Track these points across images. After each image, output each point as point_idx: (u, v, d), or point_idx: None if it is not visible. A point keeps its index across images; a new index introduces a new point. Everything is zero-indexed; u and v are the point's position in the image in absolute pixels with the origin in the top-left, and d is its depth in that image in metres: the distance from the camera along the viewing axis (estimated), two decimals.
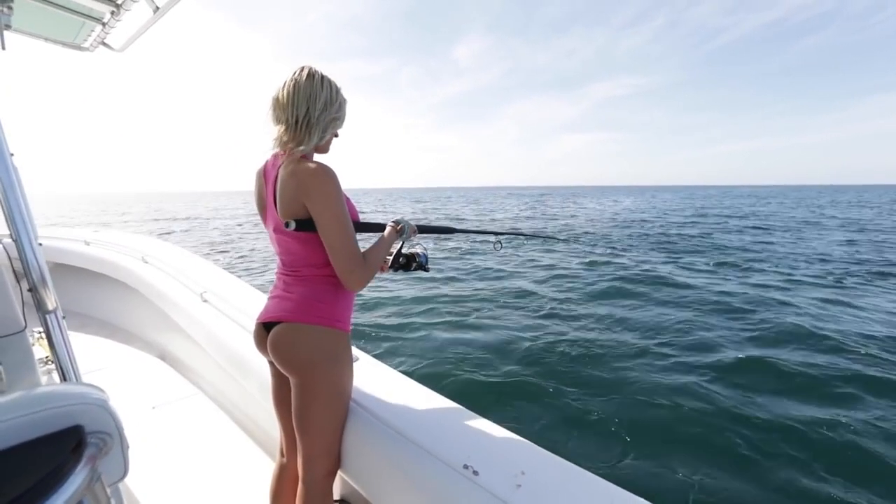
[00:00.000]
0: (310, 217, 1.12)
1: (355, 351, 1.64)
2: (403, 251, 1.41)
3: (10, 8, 1.29)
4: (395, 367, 1.57)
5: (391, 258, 1.40)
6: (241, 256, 11.68)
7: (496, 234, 1.80)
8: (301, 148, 1.13)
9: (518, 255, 10.20)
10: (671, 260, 9.91)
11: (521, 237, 2.25)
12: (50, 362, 1.14)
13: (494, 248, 1.81)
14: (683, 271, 8.51)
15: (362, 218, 1.29)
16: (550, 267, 8.57)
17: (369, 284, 1.20)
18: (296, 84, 1.12)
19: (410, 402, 1.31)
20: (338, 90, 1.18)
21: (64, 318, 1.17)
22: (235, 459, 1.93)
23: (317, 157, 1.22)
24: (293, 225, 1.13)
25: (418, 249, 1.43)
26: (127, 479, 1.76)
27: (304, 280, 1.19)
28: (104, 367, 2.77)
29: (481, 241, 11.72)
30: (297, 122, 1.12)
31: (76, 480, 0.46)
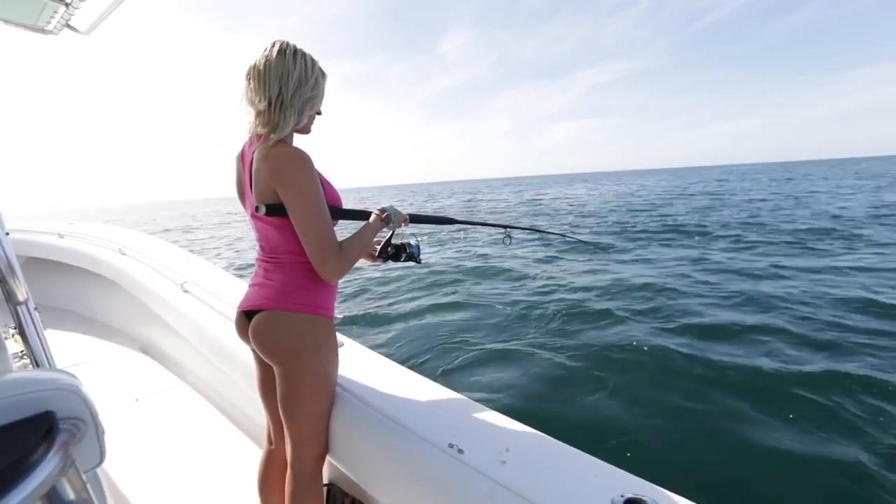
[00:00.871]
0: (280, 204, 1.09)
1: (340, 337, 1.64)
2: (393, 241, 1.36)
3: None
4: (380, 351, 1.58)
5: (379, 247, 1.36)
6: None
7: (505, 227, 1.61)
8: (275, 133, 1.07)
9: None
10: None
11: (534, 232, 2.13)
12: (25, 356, 1.11)
13: (504, 242, 1.61)
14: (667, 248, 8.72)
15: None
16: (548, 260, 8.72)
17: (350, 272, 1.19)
18: (266, 62, 1.05)
19: (396, 386, 1.32)
20: (313, 64, 1.10)
21: (37, 310, 1.14)
22: (222, 448, 1.93)
23: (298, 139, 1.18)
24: (263, 209, 1.10)
25: (410, 240, 1.37)
26: (113, 471, 1.76)
27: (283, 267, 1.17)
28: (84, 362, 2.72)
29: (484, 234, 11.49)
30: (269, 103, 1.06)
31: (47, 467, 0.46)
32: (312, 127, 1.20)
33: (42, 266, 3.68)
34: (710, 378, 3.44)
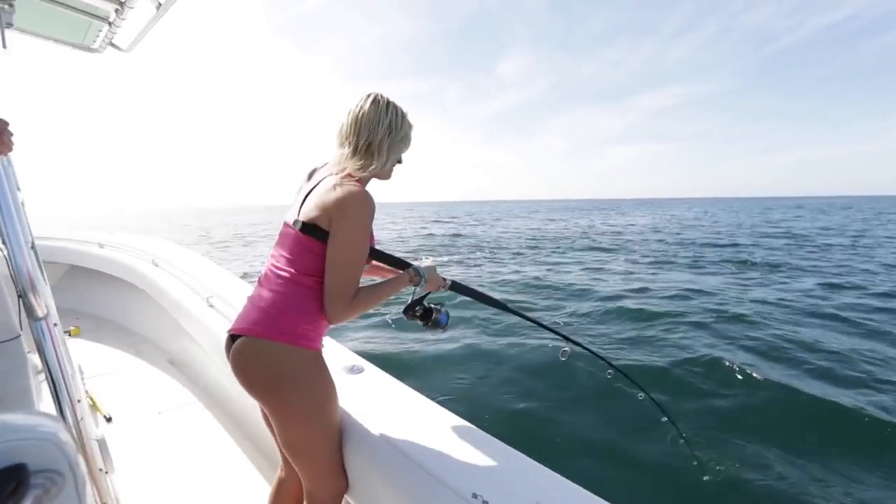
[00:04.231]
0: (326, 230, 1.06)
1: (360, 361, 1.57)
2: (424, 302, 1.27)
3: (10, 6, 1.26)
4: (404, 379, 1.49)
5: (409, 302, 1.28)
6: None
7: (567, 338, 1.40)
8: (356, 172, 1.12)
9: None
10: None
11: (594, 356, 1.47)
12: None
13: (561, 355, 1.43)
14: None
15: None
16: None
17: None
18: (360, 110, 1.11)
19: (418, 421, 1.22)
20: (403, 116, 1.15)
21: (56, 325, 1.12)
22: (238, 469, 1.88)
23: (374, 182, 1.21)
24: (299, 225, 1.10)
25: (439, 306, 1.28)
26: (127, 484, 1.73)
27: (284, 282, 1.11)
28: (114, 371, 2.76)
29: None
30: (355, 148, 1.12)
31: None
32: (392, 175, 1.23)
33: (83, 275, 3.82)
34: None
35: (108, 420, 2.20)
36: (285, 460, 1.29)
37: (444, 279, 1.28)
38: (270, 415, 1.11)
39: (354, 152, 1.12)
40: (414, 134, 1.21)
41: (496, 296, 1.41)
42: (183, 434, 2.13)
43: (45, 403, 1.04)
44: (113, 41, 1.79)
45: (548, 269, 10.32)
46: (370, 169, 1.12)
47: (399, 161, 1.21)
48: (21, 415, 0.48)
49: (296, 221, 1.11)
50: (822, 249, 14.06)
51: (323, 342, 1.16)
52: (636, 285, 8.18)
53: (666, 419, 2.74)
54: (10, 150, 1.00)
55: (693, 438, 3.03)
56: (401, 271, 1.26)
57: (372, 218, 1.09)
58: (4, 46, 1.31)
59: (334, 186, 1.08)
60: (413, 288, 1.26)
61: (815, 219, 32.85)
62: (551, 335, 1.44)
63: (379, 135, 1.11)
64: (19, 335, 1.29)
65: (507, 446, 1.12)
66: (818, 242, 16.17)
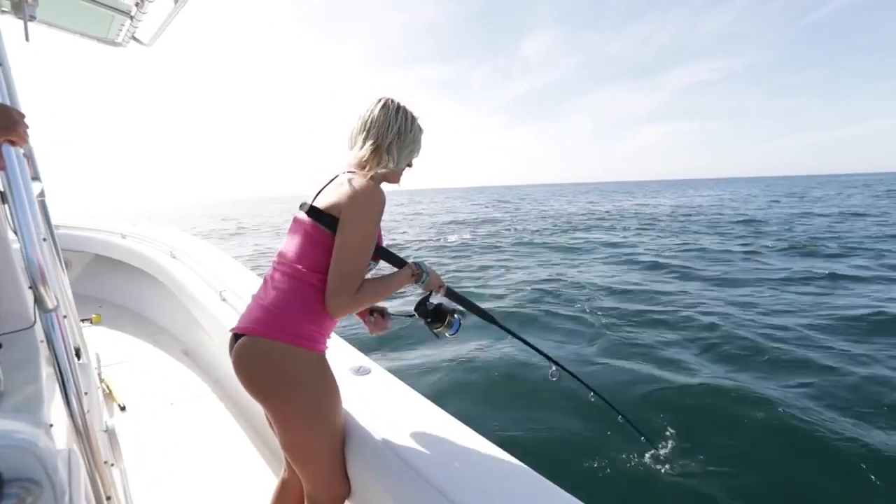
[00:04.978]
0: (335, 217, 1.05)
1: (367, 362, 1.55)
2: (434, 300, 1.24)
3: None
4: (409, 380, 1.45)
5: (419, 303, 1.25)
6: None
7: (554, 361, 1.39)
8: (366, 171, 1.12)
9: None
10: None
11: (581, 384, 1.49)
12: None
13: (550, 376, 1.38)
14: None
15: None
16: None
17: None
18: (370, 115, 1.13)
19: (425, 429, 1.18)
20: (413, 120, 1.17)
21: (66, 317, 1.12)
22: (245, 463, 1.88)
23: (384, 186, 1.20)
24: (306, 207, 1.10)
25: (457, 313, 1.24)
26: (136, 475, 1.75)
27: (289, 279, 1.10)
28: (130, 360, 2.81)
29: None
30: (366, 151, 1.13)
31: None
32: (401, 179, 1.23)
33: (107, 264, 3.92)
34: None
35: (123, 409, 2.24)
36: (288, 461, 1.28)
37: (442, 283, 1.24)
38: (270, 416, 1.10)
39: (364, 155, 1.12)
40: (424, 139, 1.21)
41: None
42: (193, 426, 2.15)
43: (58, 394, 1.05)
44: (135, 35, 1.81)
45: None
46: (380, 171, 1.12)
47: (409, 165, 1.22)
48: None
49: (303, 204, 1.13)
50: None
51: (328, 343, 1.14)
52: None
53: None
54: (26, 142, 1.00)
55: None
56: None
57: (381, 212, 1.08)
58: (27, 39, 1.33)
59: (346, 181, 1.08)
60: (427, 291, 1.23)
61: None
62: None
63: (388, 138, 1.12)
64: (32, 325, 1.31)
65: (515, 460, 1.08)
66: None
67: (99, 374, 2.07)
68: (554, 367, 1.40)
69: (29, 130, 1.09)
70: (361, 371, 1.48)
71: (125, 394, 2.35)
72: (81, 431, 1.04)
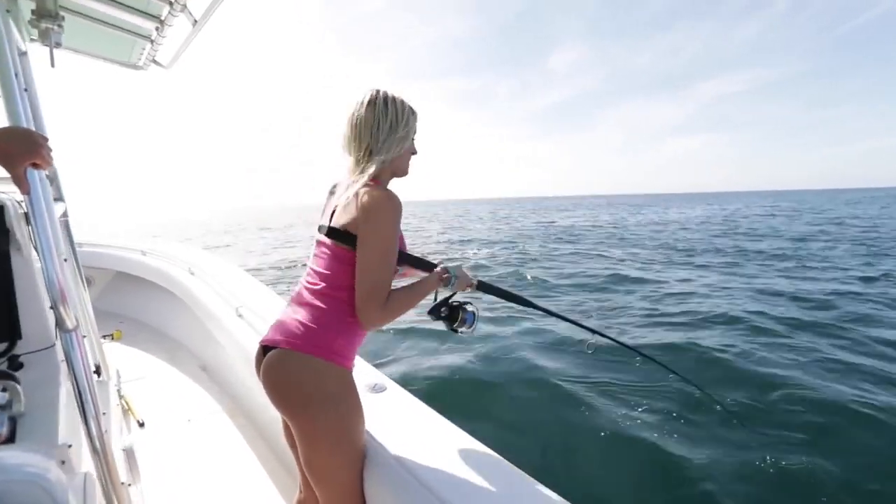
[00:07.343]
0: (354, 234, 1.05)
1: (382, 379, 1.52)
2: (451, 301, 1.22)
3: (60, 26, 1.32)
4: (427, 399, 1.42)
5: (436, 302, 1.23)
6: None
7: (593, 331, 1.37)
8: (368, 174, 1.10)
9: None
10: None
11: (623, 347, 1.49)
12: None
13: (587, 348, 1.39)
14: None
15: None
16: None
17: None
18: (357, 116, 1.10)
19: (445, 450, 1.15)
20: (403, 106, 1.12)
21: (85, 337, 1.13)
22: (261, 482, 1.86)
23: (395, 181, 1.20)
24: (325, 230, 1.11)
25: (467, 305, 1.23)
26: (151, 493, 1.74)
27: (320, 296, 1.09)
28: (148, 376, 2.84)
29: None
30: (361, 153, 1.11)
31: None
32: (409, 168, 1.21)
33: (128, 281, 4.00)
34: None
35: (141, 425, 2.25)
36: (305, 481, 1.26)
37: (472, 278, 1.23)
38: (296, 432, 1.08)
39: (362, 159, 1.11)
40: (419, 124, 1.17)
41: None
42: (209, 443, 2.14)
43: (76, 414, 1.05)
44: (155, 58, 1.87)
45: None
46: (381, 165, 1.11)
47: (414, 152, 1.19)
48: (12, 452, 0.46)
49: (321, 227, 1.13)
50: None
51: (355, 361, 1.13)
52: None
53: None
54: (49, 164, 1.02)
55: None
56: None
57: (398, 220, 1.06)
58: (53, 65, 1.37)
59: (357, 194, 1.07)
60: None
61: None
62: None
63: (382, 136, 1.09)
64: (53, 344, 1.33)
65: (541, 484, 1.03)
66: None
67: (119, 391, 2.08)
68: (592, 339, 1.37)
69: (52, 153, 1.11)
70: (377, 388, 1.46)
71: (144, 409, 2.36)
72: (99, 452, 1.04)
